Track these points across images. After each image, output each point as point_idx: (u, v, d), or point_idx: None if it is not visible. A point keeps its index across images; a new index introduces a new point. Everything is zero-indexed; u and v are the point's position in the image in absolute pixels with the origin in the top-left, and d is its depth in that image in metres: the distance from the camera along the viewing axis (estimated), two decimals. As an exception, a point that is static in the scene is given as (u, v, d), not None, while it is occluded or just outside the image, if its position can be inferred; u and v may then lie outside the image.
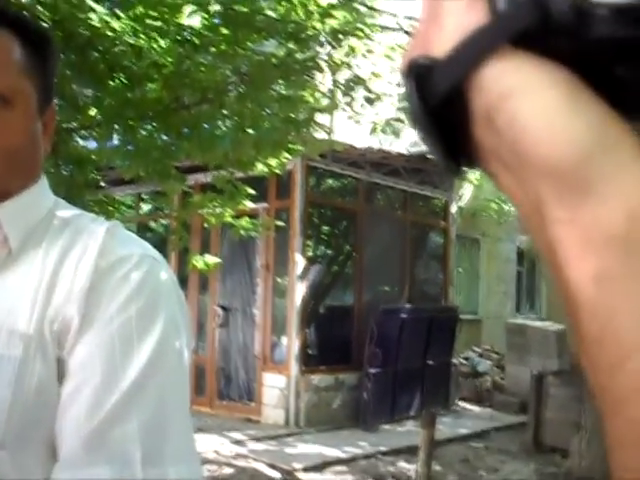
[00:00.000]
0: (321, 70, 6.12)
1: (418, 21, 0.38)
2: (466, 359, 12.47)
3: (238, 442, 8.05)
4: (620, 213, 0.34)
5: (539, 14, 0.32)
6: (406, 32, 9.38)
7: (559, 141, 0.34)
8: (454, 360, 11.25)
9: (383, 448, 8.23)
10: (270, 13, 5.44)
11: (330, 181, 10.72)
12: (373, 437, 8.85)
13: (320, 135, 7.12)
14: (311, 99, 6.17)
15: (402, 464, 7.64)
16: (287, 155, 6.26)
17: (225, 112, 5.76)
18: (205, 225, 8.21)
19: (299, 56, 5.67)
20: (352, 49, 6.37)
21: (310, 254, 9.92)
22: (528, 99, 0.34)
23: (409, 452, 7.45)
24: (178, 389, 1.03)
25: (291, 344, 9.26)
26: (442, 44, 0.36)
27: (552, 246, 0.36)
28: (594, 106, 0.34)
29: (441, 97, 0.35)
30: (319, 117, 6.64)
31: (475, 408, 11.34)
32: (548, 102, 0.34)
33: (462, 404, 11.38)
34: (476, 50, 0.34)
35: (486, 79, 0.35)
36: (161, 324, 1.00)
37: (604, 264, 0.34)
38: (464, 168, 0.39)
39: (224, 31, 5.21)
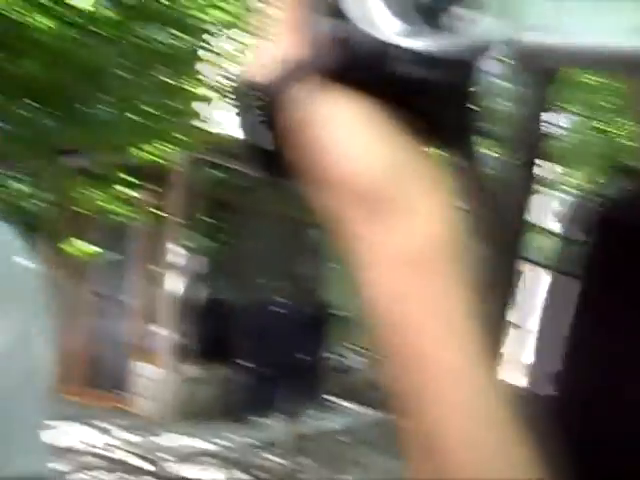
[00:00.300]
0: (208, 61, 6.10)
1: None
2: (338, 355, 12.63)
3: (107, 432, 7.93)
4: (416, 237, 0.37)
5: (344, 51, 0.36)
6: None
7: (359, 165, 0.36)
8: (325, 355, 11.39)
9: (253, 441, 8.27)
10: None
11: (213, 173, 10.66)
12: (243, 430, 8.87)
13: (205, 126, 7.10)
14: (196, 90, 6.14)
15: (271, 457, 7.69)
16: (169, 144, 6.21)
17: (107, 96, 5.66)
18: (81, 210, 8.03)
19: (185, 45, 5.63)
20: (242, 43, 6.39)
21: (189, 245, 9.85)
22: (330, 125, 0.37)
23: (278, 445, 7.51)
24: (30, 376, 0.98)
25: (164, 335, 9.17)
26: (261, 69, 0.38)
27: (354, 263, 0.39)
28: (395, 135, 0.37)
29: (259, 118, 0.38)
30: (204, 109, 6.62)
31: (345, 403, 11.51)
32: (350, 129, 0.37)
33: (332, 399, 11.53)
34: (287, 79, 0.37)
35: (294, 104, 0.37)
36: (17, 305, 0.96)
37: (400, 282, 0.38)
38: (283, 179, 0.42)
39: (112, 15, 5.13)
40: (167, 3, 5.41)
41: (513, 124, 8.44)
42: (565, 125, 13.33)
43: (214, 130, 7.58)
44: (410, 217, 0.37)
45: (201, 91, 6.33)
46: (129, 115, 5.64)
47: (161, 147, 6.18)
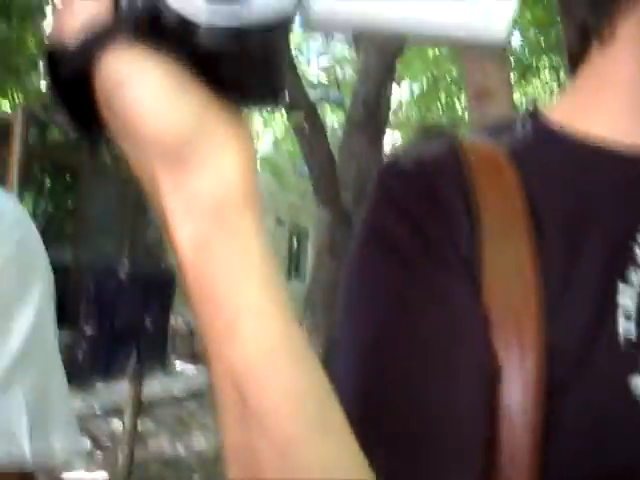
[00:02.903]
0: (45, 16, 5.88)
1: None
2: (183, 320, 12.59)
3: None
4: (213, 186, 0.41)
5: (152, 20, 0.39)
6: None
7: (161, 123, 0.40)
8: (172, 321, 11.33)
9: (96, 406, 8.16)
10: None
11: (53, 134, 10.31)
12: (87, 396, 8.73)
13: (43, 85, 6.85)
14: (34, 45, 5.91)
15: (115, 422, 7.62)
16: (5, 103, 5.96)
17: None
18: None
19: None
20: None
21: (28, 208, 9.51)
22: (137, 85, 0.40)
23: (121, 410, 7.44)
24: (56, 356, 1.02)
25: (2, 300, 8.85)
26: (71, 31, 0.40)
27: (163, 214, 0.42)
28: (200, 95, 0.41)
29: (69, 81, 0.41)
30: (43, 67, 6.39)
31: (192, 367, 11.51)
32: (155, 88, 0.40)
33: (179, 363, 11.50)
34: (98, 42, 0.40)
35: (105, 68, 0.40)
36: (38, 288, 0.98)
37: (200, 227, 0.42)
38: (99, 136, 0.45)
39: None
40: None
41: (356, 92, 8.60)
42: (407, 96, 13.70)
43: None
44: (207, 168, 0.41)
45: (41, 47, 6.10)
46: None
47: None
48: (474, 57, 3.49)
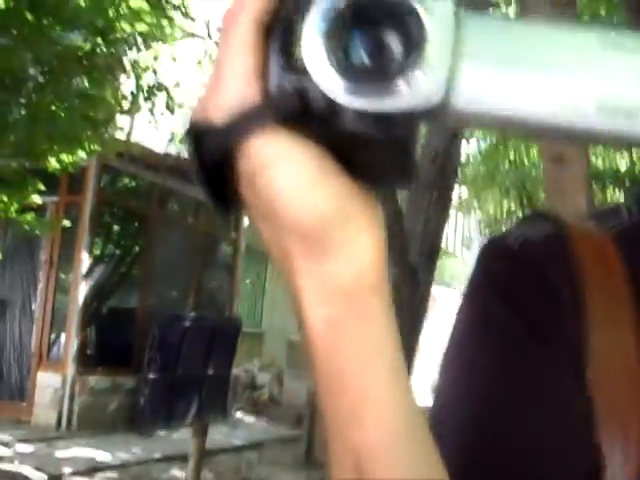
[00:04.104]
0: (125, 71, 6.05)
1: (208, 82, 0.44)
2: (246, 371, 12.62)
3: (4, 444, 7.71)
4: (349, 271, 0.42)
5: (301, 103, 0.40)
6: (216, 42, 9.43)
7: (304, 207, 0.41)
8: (234, 371, 11.36)
9: (156, 454, 8.18)
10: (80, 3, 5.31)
11: (125, 182, 10.55)
12: (147, 443, 8.77)
13: (118, 135, 7.03)
14: (112, 99, 6.08)
15: (174, 471, 7.62)
16: (82, 153, 6.11)
17: (21, 100, 5.56)
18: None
19: (104, 53, 5.57)
20: (157, 54, 6.36)
21: (97, 253, 9.71)
22: (282, 170, 0.41)
23: (183, 459, 7.44)
24: None
25: (70, 343, 9.00)
26: (218, 111, 0.42)
27: (295, 293, 0.43)
28: (339, 181, 0.42)
29: (213, 159, 0.42)
30: (119, 118, 6.55)
31: (252, 419, 11.50)
32: (298, 174, 0.41)
33: (239, 415, 11.50)
34: (246, 124, 0.41)
35: (251, 149, 0.41)
36: None
37: (333, 310, 0.42)
38: (234, 212, 0.46)
39: (28, 15, 5.04)
40: (86, 8, 5.34)
41: (425, 147, 8.61)
42: (475, 150, 13.67)
43: (127, 139, 7.51)
44: (343, 253, 0.42)
45: (118, 100, 6.27)
46: (43, 121, 5.53)
47: (74, 154, 6.07)
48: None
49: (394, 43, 0.40)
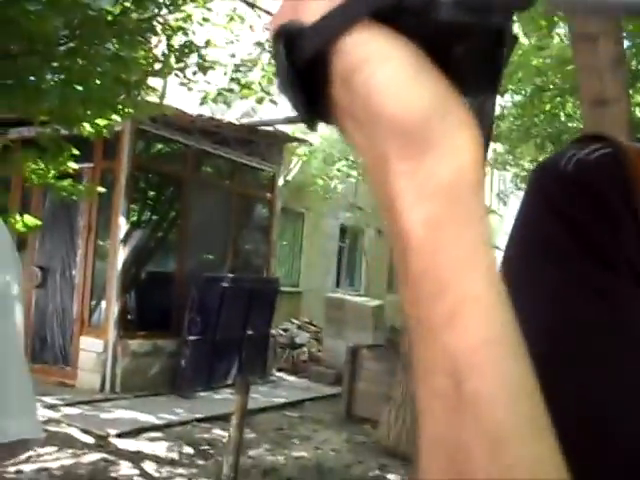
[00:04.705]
0: (156, 33, 6.03)
1: None
2: (285, 330, 12.71)
3: (51, 407, 7.86)
4: (450, 168, 0.41)
5: None
6: (248, 3, 9.38)
7: (404, 103, 0.40)
8: (273, 331, 11.44)
9: (199, 415, 8.29)
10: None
11: (159, 146, 10.57)
12: (189, 404, 8.89)
13: (151, 98, 7.02)
14: (144, 61, 6.07)
15: (217, 431, 7.73)
16: (116, 117, 6.12)
17: (54, 65, 5.57)
18: (25, 183, 7.90)
19: (134, 16, 5.56)
20: (188, 15, 6.32)
21: (134, 218, 9.78)
22: (380, 65, 0.40)
23: (224, 419, 7.53)
24: (18, 342, 1.01)
25: (110, 308, 9.11)
26: (311, 13, 0.41)
27: (391, 196, 0.42)
28: (435, 77, 0.41)
29: (307, 59, 0.41)
30: (151, 81, 6.54)
31: (292, 378, 11.60)
32: (397, 70, 0.40)
33: (279, 374, 11.60)
34: (340, 21, 0.40)
35: (347, 46, 0.40)
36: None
37: (434, 210, 0.41)
38: (320, 122, 0.45)
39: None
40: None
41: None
42: (510, 104, 13.49)
43: (160, 101, 7.50)
44: (444, 149, 0.41)
45: (149, 62, 6.26)
46: (76, 86, 5.54)
47: (108, 118, 6.08)
48: (590, 65, 3.40)
49: None
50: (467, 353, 0.40)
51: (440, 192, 0.41)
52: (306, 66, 0.41)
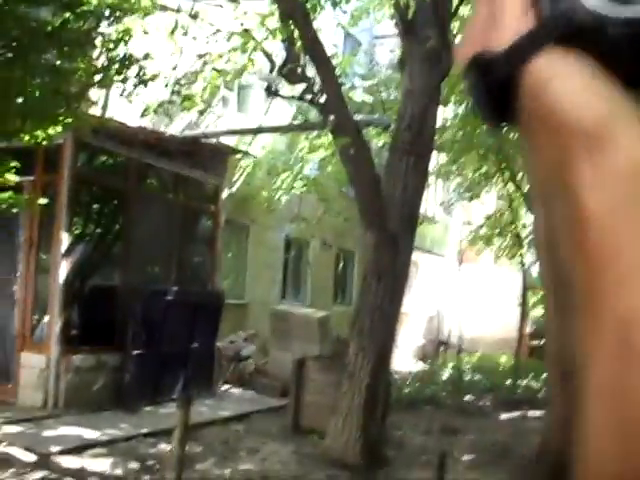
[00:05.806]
0: (95, 46, 5.97)
1: (470, 24, 0.56)
2: (231, 343, 12.64)
3: (-9, 425, 7.70)
4: (628, 160, 0.48)
5: (571, 22, 0.49)
6: (192, 15, 9.33)
7: (585, 108, 0.49)
8: (218, 344, 11.37)
9: (144, 430, 8.20)
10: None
11: (101, 159, 10.46)
12: (135, 419, 8.79)
13: (92, 111, 6.95)
14: (84, 73, 6.00)
15: (163, 446, 7.64)
16: (56, 128, 6.04)
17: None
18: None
19: (74, 28, 5.49)
20: (128, 29, 6.29)
21: (77, 232, 9.66)
22: (565, 81, 0.50)
23: (169, 434, 7.47)
24: None
25: (53, 323, 8.97)
26: (500, 42, 0.52)
27: (573, 183, 0.49)
28: (609, 85, 0.50)
29: (501, 81, 0.51)
30: (92, 93, 6.48)
31: (238, 391, 11.54)
32: (578, 82, 0.50)
33: (225, 387, 11.54)
34: (529, 47, 0.51)
35: (535, 67, 0.51)
36: None
37: (612, 194, 0.48)
38: (508, 124, 0.55)
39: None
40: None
41: (401, 114, 8.59)
42: (451, 116, 13.65)
43: (103, 114, 7.44)
44: (621, 147, 0.49)
45: (89, 74, 6.19)
46: (14, 97, 5.46)
47: (52, 131, 5.99)
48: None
49: None
50: (636, 311, 0.46)
51: (618, 178, 0.48)
52: (498, 85, 0.52)
